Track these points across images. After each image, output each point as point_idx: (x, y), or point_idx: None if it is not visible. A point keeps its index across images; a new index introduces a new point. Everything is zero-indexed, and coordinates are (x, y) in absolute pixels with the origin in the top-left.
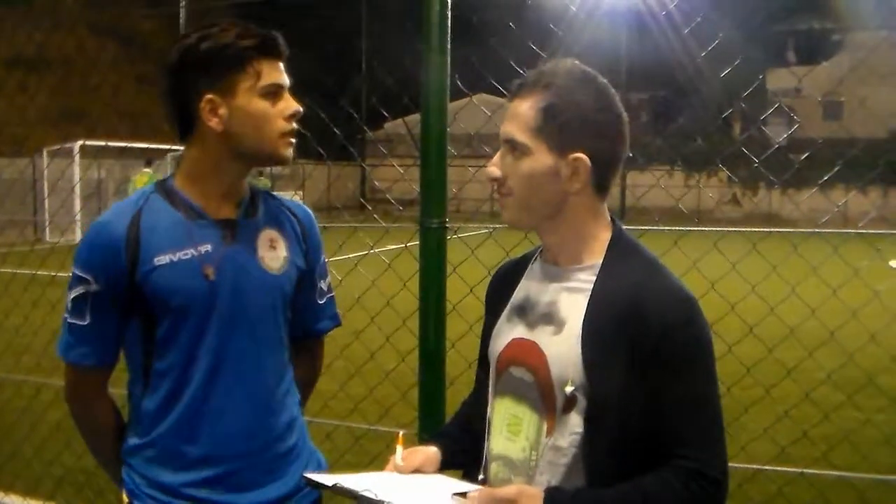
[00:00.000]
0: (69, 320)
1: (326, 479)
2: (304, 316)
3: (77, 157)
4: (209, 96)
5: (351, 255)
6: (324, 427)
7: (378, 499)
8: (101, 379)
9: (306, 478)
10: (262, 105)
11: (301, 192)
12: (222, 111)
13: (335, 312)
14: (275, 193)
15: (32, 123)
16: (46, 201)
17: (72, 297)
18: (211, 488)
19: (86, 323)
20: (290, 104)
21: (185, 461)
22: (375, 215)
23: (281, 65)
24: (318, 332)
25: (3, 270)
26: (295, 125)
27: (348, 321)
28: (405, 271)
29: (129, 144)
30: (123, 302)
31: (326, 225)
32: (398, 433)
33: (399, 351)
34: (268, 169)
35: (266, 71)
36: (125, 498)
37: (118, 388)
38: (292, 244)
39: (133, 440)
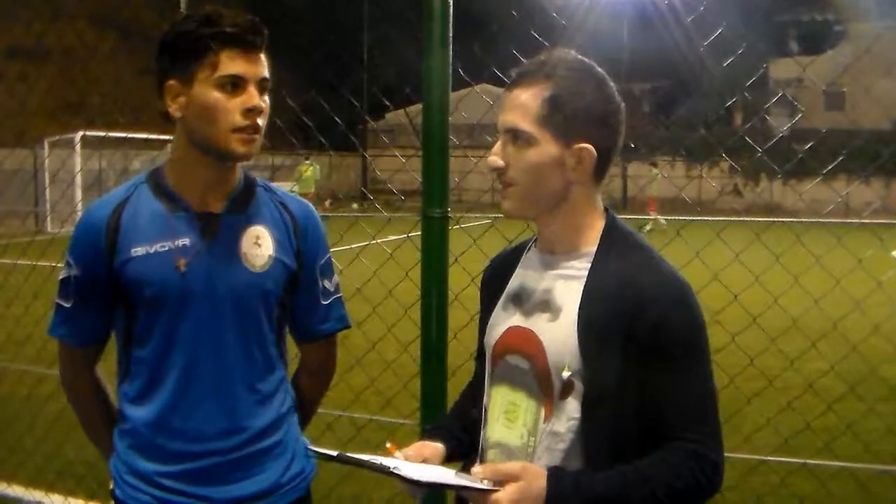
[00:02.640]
0: (56, 300)
1: (331, 450)
2: (307, 317)
3: (78, 148)
4: (171, 82)
5: (353, 246)
6: (325, 417)
7: (384, 465)
8: (84, 357)
9: (310, 450)
10: (216, 96)
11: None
12: (181, 99)
13: (342, 314)
14: (274, 186)
15: (33, 114)
16: (47, 192)
17: (59, 278)
18: (187, 481)
19: (69, 305)
20: (249, 98)
21: (161, 453)
22: (378, 205)
23: (253, 56)
24: (324, 334)
25: (4, 261)
26: (258, 121)
27: (350, 311)
28: (407, 261)
29: (130, 135)
30: (104, 288)
31: (329, 214)
32: (387, 445)
33: (401, 341)
34: (274, 160)
35: (225, 61)
36: (111, 485)
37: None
38: (282, 242)
39: (119, 425)
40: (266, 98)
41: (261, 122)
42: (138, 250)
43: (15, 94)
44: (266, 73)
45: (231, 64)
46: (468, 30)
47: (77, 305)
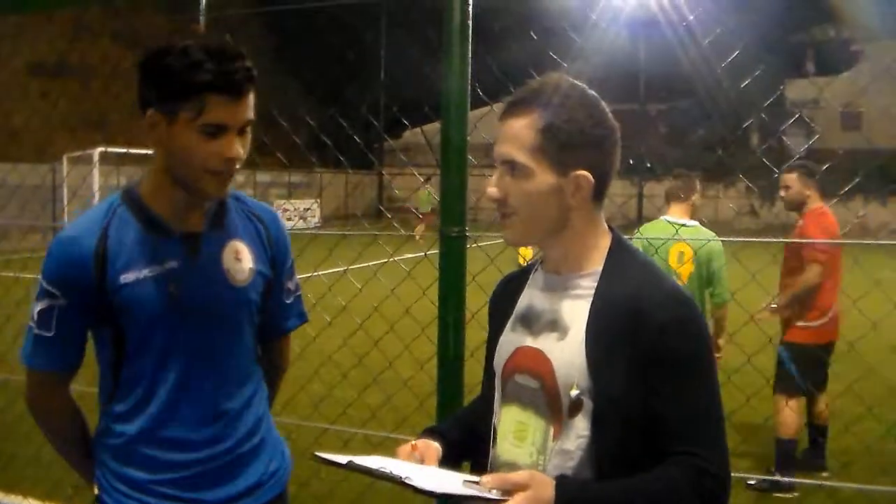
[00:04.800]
0: (35, 331)
1: (339, 457)
2: (272, 317)
3: (97, 164)
4: (152, 112)
5: (370, 263)
6: (342, 435)
7: (394, 475)
8: (62, 381)
9: (318, 456)
10: (196, 140)
11: (319, 201)
12: (161, 130)
13: (302, 310)
14: (243, 196)
15: (54, 130)
16: (66, 207)
17: (38, 309)
18: (178, 487)
19: (51, 335)
20: (228, 147)
21: (152, 463)
22: (395, 223)
23: (239, 101)
24: (286, 331)
25: (24, 275)
26: (235, 166)
27: (367, 329)
28: (424, 280)
29: (149, 152)
30: (91, 314)
31: (346, 233)
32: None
33: (417, 359)
34: (291, 178)
35: (211, 108)
36: (96, 491)
37: (90, 386)
38: (258, 253)
39: (104, 440)
40: (248, 136)
41: (238, 165)
42: (128, 277)
43: (37, 111)
44: (250, 115)
45: (215, 112)
46: (487, 49)
47: (61, 334)
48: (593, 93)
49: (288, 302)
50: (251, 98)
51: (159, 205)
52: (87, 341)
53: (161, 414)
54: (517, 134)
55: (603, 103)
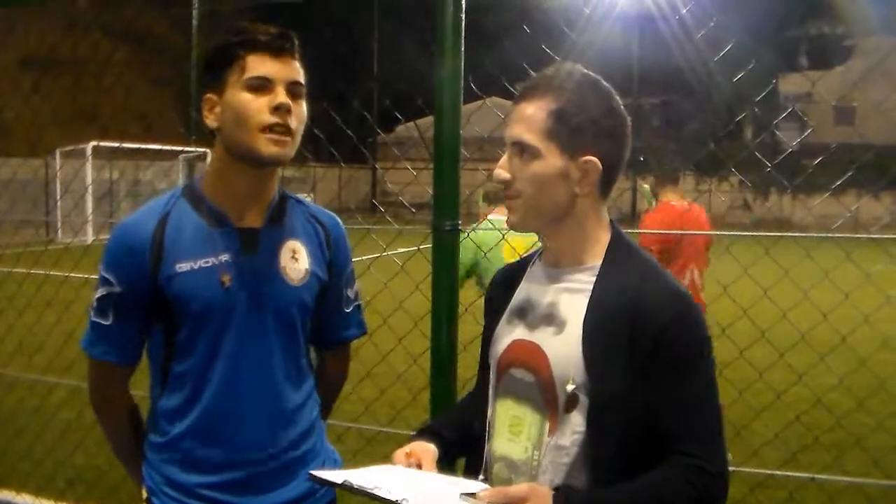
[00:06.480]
0: (93, 319)
1: (334, 476)
2: (329, 324)
3: (90, 158)
4: (208, 95)
5: (364, 257)
6: (335, 428)
7: (391, 498)
8: (121, 376)
9: (312, 475)
10: (245, 98)
11: (313, 195)
12: (217, 109)
13: (361, 320)
14: (306, 201)
15: (46, 124)
16: (59, 202)
17: (96, 297)
18: (227, 491)
19: (108, 323)
20: (275, 97)
21: (201, 465)
22: (388, 217)
23: (282, 59)
24: (344, 340)
25: (16, 270)
26: (289, 121)
27: None
28: (417, 273)
29: (142, 146)
30: (146, 304)
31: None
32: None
33: (411, 353)
34: (284, 171)
35: (252, 64)
36: (144, 494)
37: (142, 389)
38: (315, 255)
39: (152, 438)
40: (301, 103)
41: (292, 123)
42: (183, 266)
43: (28, 104)
44: (298, 77)
45: (258, 66)
46: (480, 43)
47: (118, 323)
48: (607, 84)
49: (347, 311)
50: (296, 62)
51: (219, 198)
52: (144, 338)
53: (211, 412)
54: (528, 117)
55: (616, 95)
